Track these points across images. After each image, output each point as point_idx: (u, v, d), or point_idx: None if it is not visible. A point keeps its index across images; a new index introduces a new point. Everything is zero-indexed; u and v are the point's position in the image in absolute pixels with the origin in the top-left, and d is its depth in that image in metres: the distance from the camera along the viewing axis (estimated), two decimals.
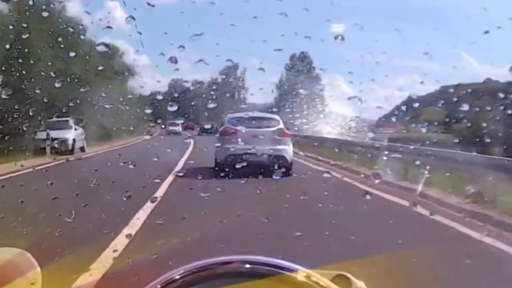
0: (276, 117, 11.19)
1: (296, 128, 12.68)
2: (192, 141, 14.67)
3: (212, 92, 19.09)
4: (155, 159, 7.60)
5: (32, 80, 10.81)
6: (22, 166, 8.76)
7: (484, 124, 8.73)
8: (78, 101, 11.81)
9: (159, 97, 10.87)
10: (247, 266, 0.90)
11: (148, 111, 16.17)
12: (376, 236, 5.25)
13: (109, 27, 5.81)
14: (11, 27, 10.34)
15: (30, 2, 10.38)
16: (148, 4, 4.63)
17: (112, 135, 17.25)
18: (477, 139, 8.57)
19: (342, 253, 4.24)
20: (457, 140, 10.55)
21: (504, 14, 7.48)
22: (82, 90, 11.67)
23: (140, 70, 19.87)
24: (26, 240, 3.42)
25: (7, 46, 9.98)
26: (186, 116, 17.56)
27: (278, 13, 5.17)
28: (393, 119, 15.15)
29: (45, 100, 10.57)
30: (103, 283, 3.60)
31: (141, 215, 5.99)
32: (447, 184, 8.29)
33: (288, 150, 10.31)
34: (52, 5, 14.03)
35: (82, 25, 13.68)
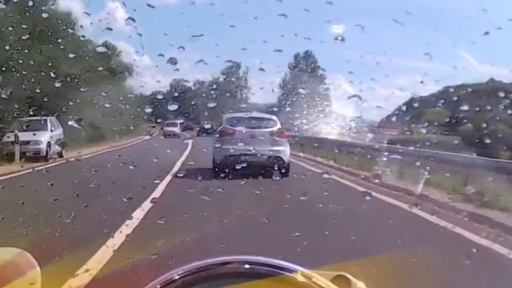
0: (274, 117, 11.15)
1: (296, 129, 12.65)
2: (191, 142, 14.64)
3: (213, 92, 19.04)
4: (155, 159, 7.62)
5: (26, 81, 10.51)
6: None
7: (485, 125, 8.71)
8: (78, 101, 11.53)
9: (160, 97, 10.84)
10: (247, 266, 0.90)
11: (149, 110, 16.08)
12: (376, 236, 5.25)
13: (109, 28, 5.84)
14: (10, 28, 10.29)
15: (30, 3, 10.34)
16: (148, 5, 4.64)
17: (111, 136, 17.13)
18: (478, 141, 8.55)
19: (342, 253, 4.24)
20: (457, 142, 10.54)
21: (504, 15, 7.50)
22: (82, 90, 11.57)
23: (141, 71, 19.89)
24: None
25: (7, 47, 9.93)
26: (186, 115, 17.54)
27: (278, 14, 5.16)
28: (393, 119, 15.11)
29: (45, 100, 10.46)
30: (103, 283, 3.60)
31: (141, 215, 5.99)
32: (447, 185, 8.29)
33: (285, 151, 10.28)
34: (52, 5, 14.01)
35: (81, 26, 13.58)
